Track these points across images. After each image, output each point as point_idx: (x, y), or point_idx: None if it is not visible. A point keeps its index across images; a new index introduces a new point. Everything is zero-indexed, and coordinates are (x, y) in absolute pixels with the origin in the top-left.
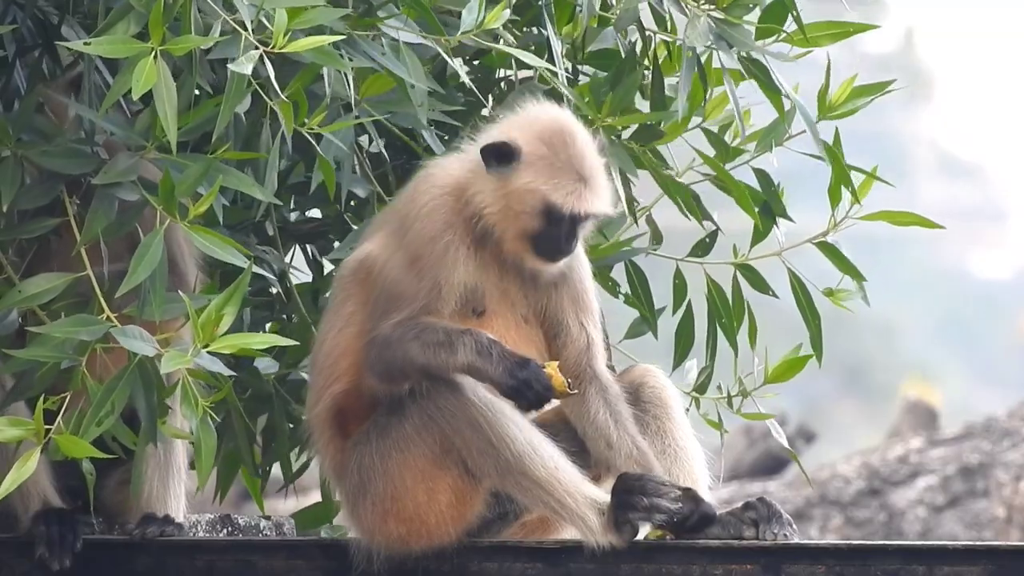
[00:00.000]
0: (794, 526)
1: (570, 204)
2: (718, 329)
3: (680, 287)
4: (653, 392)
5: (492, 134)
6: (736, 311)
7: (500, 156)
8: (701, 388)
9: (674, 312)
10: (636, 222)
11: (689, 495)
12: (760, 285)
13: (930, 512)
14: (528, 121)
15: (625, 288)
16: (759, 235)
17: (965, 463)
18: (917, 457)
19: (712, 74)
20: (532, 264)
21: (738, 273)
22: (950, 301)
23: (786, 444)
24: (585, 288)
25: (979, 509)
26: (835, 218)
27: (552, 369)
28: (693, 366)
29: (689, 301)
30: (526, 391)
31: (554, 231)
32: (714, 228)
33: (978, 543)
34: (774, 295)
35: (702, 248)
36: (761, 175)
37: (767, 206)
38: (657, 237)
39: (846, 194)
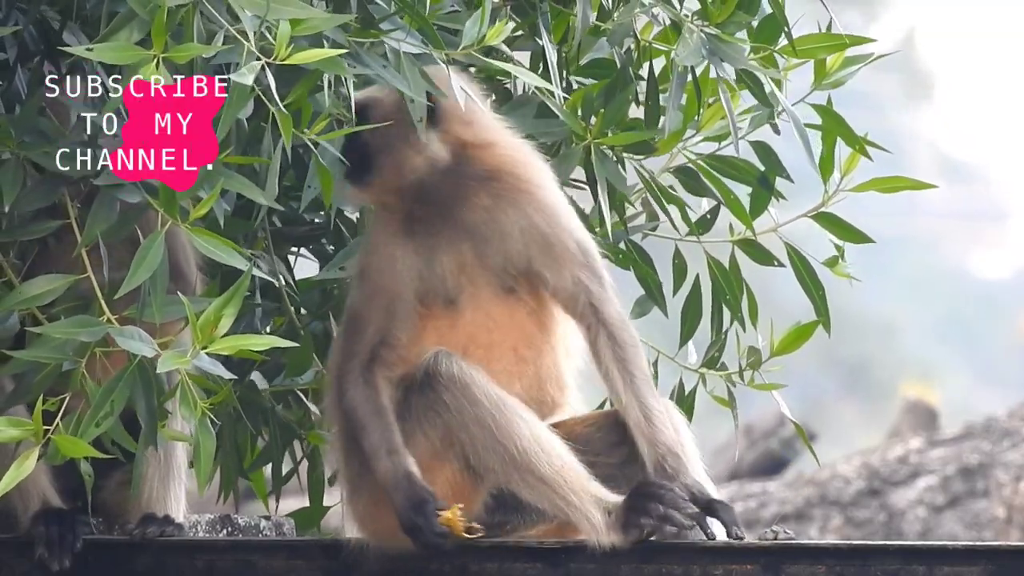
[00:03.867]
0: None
1: None
2: (723, 307)
3: (680, 266)
4: None
5: None
6: (736, 288)
7: None
8: (711, 363)
9: (674, 292)
10: (625, 218)
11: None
12: (763, 258)
13: (930, 512)
14: None
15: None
16: (756, 210)
17: (965, 463)
18: (917, 457)
19: (708, 84)
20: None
21: (738, 249)
22: (950, 301)
23: (789, 415)
24: (552, 232)
25: (979, 509)
26: (827, 191)
27: (452, 513)
28: (692, 351)
29: (697, 276)
30: (419, 534)
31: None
32: (715, 204)
33: (978, 543)
34: (780, 264)
35: (702, 225)
36: (759, 146)
37: (764, 179)
38: (652, 217)
39: (835, 173)
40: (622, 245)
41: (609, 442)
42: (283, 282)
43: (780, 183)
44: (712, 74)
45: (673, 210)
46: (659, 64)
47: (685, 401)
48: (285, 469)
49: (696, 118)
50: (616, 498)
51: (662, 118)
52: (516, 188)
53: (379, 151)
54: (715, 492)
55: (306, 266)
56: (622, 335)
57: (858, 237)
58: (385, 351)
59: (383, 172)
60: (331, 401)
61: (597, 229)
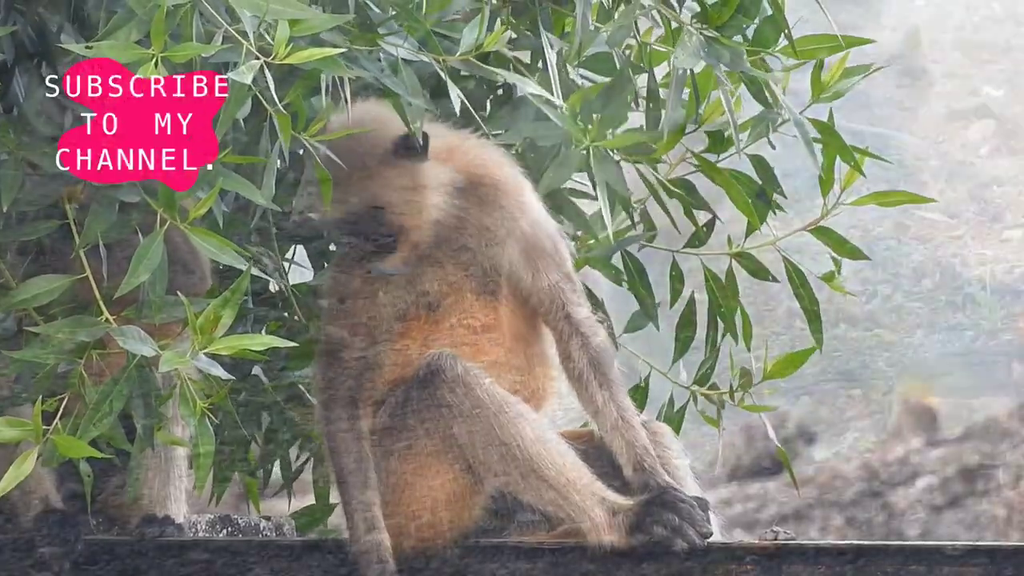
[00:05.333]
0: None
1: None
2: (719, 321)
3: (676, 278)
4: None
5: None
6: (733, 301)
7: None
8: (702, 380)
9: (672, 304)
10: (633, 221)
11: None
12: (759, 272)
13: (930, 512)
14: None
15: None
16: (753, 225)
17: (965, 464)
18: (917, 458)
19: (709, 80)
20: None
21: (735, 262)
22: (950, 301)
23: (776, 441)
24: (533, 233)
25: (979, 510)
26: (827, 205)
27: None
28: (683, 367)
29: (692, 293)
30: None
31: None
32: (711, 217)
33: (978, 543)
34: (775, 279)
35: (699, 238)
36: (756, 160)
37: (763, 193)
38: (650, 227)
39: (835, 185)
40: (617, 260)
41: (600, 468)
42: (283, 280)
43: (776, 194)
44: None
45: (675, 208)
46: (661, 68)
47: (675, 417)
48: (295, 465)
49: (696, 115)
50: (624, 500)
51: (662, 120)
52: (498, 191)
53: (400, 212)
54: (699, 492)
55: (297, 272)
56: (595, 339)
57: (855, 253)
58: (368, 376)
59: (415, 225)
60: (320, 427)
61: (599, 237)
